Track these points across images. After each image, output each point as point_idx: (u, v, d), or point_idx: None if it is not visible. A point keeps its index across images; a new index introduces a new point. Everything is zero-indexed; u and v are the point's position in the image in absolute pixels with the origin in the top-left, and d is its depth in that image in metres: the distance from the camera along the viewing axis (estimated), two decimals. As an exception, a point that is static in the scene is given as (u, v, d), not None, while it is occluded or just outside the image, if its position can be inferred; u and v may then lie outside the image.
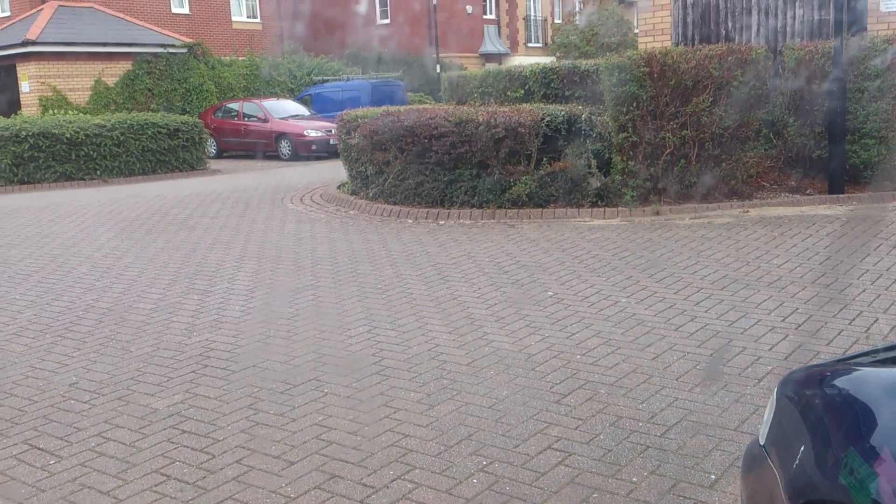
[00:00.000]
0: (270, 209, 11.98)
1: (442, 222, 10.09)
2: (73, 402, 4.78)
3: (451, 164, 10.31)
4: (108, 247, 9.43)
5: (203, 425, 4.37)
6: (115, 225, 10.93)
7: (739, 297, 6.23)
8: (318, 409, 4.50)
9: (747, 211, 9.53)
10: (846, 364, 2.31)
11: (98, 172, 17.12)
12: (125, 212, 12.08)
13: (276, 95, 26.07)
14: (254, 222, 10.82)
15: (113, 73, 24.28)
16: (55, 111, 21.72)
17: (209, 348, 5.64)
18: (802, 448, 2.05)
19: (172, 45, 25.16)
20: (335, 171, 14.34)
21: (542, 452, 3.90)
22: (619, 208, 9.78)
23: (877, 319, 5.52)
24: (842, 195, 9.78)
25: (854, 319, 5.51)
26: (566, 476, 3.66)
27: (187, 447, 4.11)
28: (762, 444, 2.30)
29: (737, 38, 12.03)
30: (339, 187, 13.13)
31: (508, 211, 10.05)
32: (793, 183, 10.47)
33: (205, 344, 5.74)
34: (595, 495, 3.49)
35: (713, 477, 3.60)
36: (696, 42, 12.34)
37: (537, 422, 4.23)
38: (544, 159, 10.11)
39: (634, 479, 3.60)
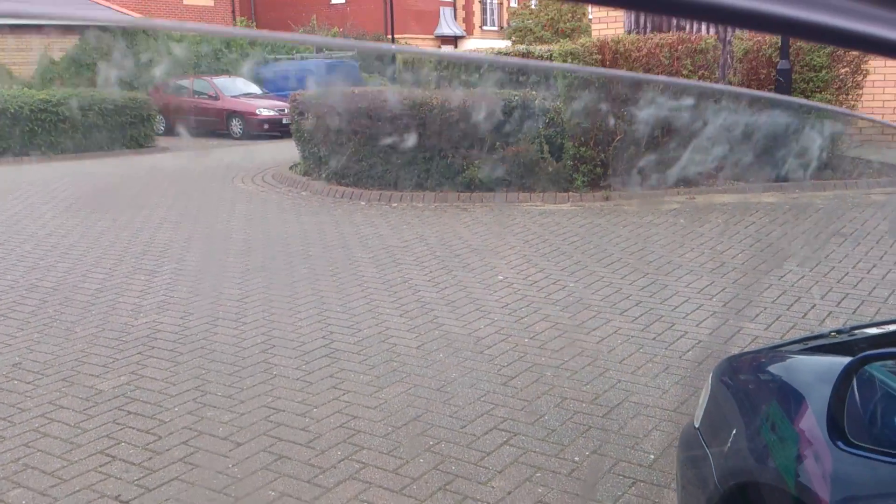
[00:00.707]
0: (221, 189, 11.86)
1: (395, 205, 10.10)
2: (16, 382, 4.72)
3: (405, 147, 10.31)
4: (53, 225, 9.26)
5: (149, 406, 4.35)
6: (59, 203, 10.72)
7: (683, 282, 6.37)
8: (267, 392, 4.51)
9: (694, 197, 9.71)
10: (779, 351, 2.40)
11: (43, 149, 16.73)
12: (70, 189, 11.85)
13: (228, 73, 25.69)
14: (203, 202, 10.71)
15: (60, 48, 23.69)
16: (-2, 85, 21.14)
17: (156, 330, 5.60)
18: (734, 431, 2.14)
19: (121, 21, 24.59)
20: (287, 151, 14.23)
21: (489, 433, 3.96)
22: (571, 193, 9.89)
23: (814, 305, 5.69)
24: (785, 182, 10.01)
25: (792, 305, 5.67)
26: (511, 455, 3.74)
27: (133, 428, 4.09)
28: (697, 426, 2.38)
29: (688, 27, 12.19)
30: (291, 168, 13.03)
31: (461, 194, 10.09)
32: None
33: (151, 325, 5.69)
34: (538, 474, 3.57)
35: (652, 457, 3.70)
36: (648, 30, 12.49)
37: (484, 403, 4.30)
38: (497, 144, 10.17)
39: (577, 459, 3.69)
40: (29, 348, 5.27)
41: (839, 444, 1.72)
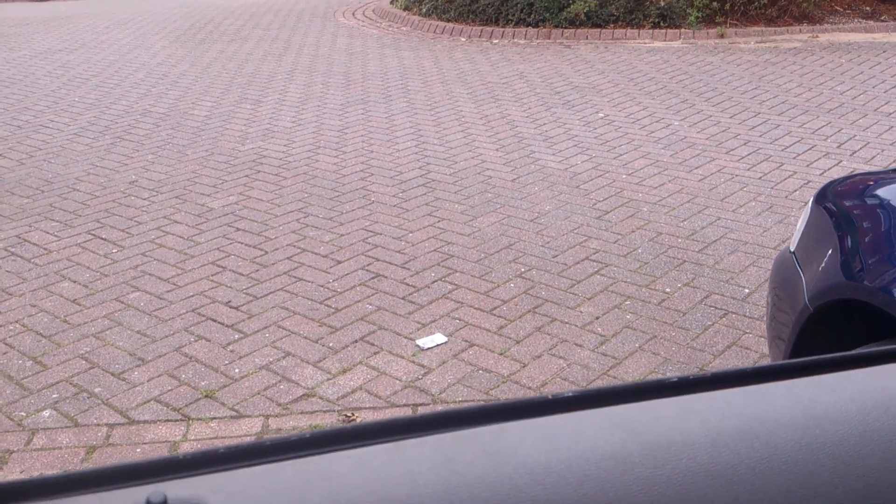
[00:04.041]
0: (322, 23, 11.80)
1: (495, 41, 9.86)
2: (132, 198, 4.99)
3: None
4: (163, 54, 9.47)
5: (256, 224, 4.55)
6: (169, 33, 10.90)
7: (797, 122, 6.10)
8: (365, 216, 4.64)
9: (817, 36, 9.11)
10: (883, 174, 2.30)
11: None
12: (179, 21, 12.01)
13: None
14: (305, 36, 10.70)
15: None
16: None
17: (261, 155, 5.77)
18: (830, 252, 2.10)
19: None
20: (390, -15, 13.91)
21: (580, 263, 4.01)
22: (682, 30, 9.42)
23: (936, 150, 5.39)
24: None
25: (912, 149, 5.39)
26: (601, 284, 3.78)
27: (241, 243, 4.31)
28: (792, 250, 2.34)
29: None
30: (391, 2, 12.79)
31: (565, 31, 9.74)
32: (867, 8, 9.92)
33: (257, 151, 5.87)
34: (627, 302, 3.61)
35: (746, 290, 3.68)
36: None
37: (577, 235, 4.32)
38: (606, -24, 9.69)
39: (668, 290, 3.71)
40: (144, 168, 5.54)
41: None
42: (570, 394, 0.67)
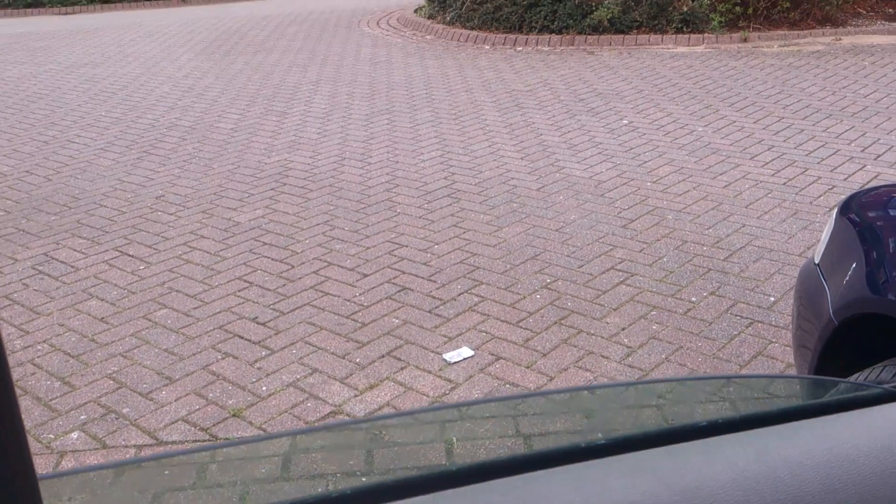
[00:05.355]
0: (346, 33, 11.87)
1: (519, 48, 9.87)
2: (160, 213, 5.06)
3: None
4: (189, 67, 9.58)
5: (283, 238, 4.60)
6: (194, 45, 11.03)
7: (821, 126, 6.06)
8: (391, 228, 4.68)
9: (840, 39, 9.04)
10: (911, 186, 2.29)
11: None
12: (204, 33, 12.15)
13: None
14: (330, 46, 10.78)
15: None
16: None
17: (287, 168, 5.82)
18: (854, 265, 2.09)
19: None
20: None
21: (605, 273, 4.01)
22: (706, 35, 9.38)
23: (965, 153, 5.33)
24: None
25: (940, 152, 5.33)
26: (627, 295, 3.78)
27: (268, 258, 4.36)
28: (816, 262, 2.34)
29: None
30: (415, 11, 12.85)
31: (588, 37, 9.74)
32: (890, 10, 9.82)
33: (283, 163, 5.92)
34: (653, 313, 3.61)
35: (772, 299, 3.67)
36: None
37: (602, 244, 4.32)
38: (628, -19, 9.67)
39: (693, 299, 3.70)
40: (171, 182, 5.61)
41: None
42: (601, 441, 0.68)
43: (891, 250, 2.03)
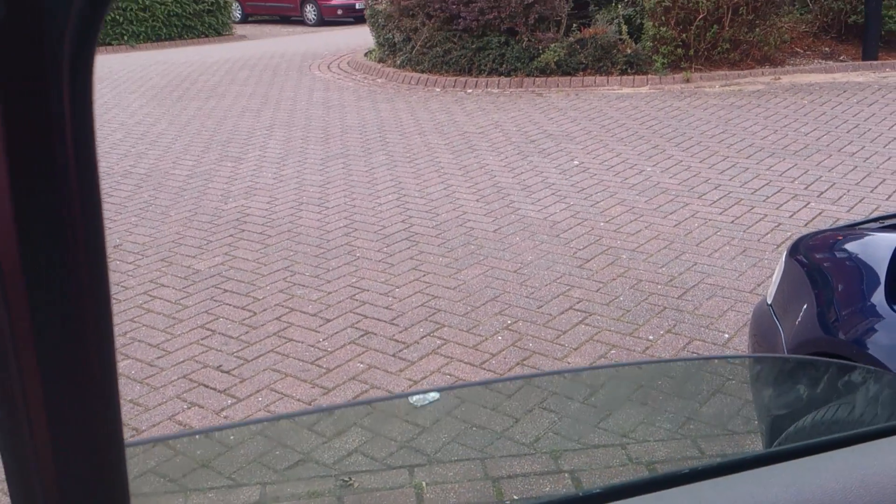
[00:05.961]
0: (298, 77, 11.96)
1: (469, 91, 10.06)
2: (118, 262, 5.04)
3: (480, 31, 10.18)
4: (141, 113, 9.56)
5: (243, 285, 4.61)
6: (146, 91, 11.01)
7: (764, 165, 6.29)
8: (351, 272, 4.72)
9: (779, 78, 9.40)
10: (854, 229, 2.43)
11: (125, 38, 17.03)
12: (155, 78, 12.13)
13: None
14: (282, 90, 10.85)
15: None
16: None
17: (245, 214, 5.85)
18: (805, 306, 2.21)
19: None
20: (362, 37, 14.16)
21: (564, 313, 4.10)
22: (649, 76, 9.68)
23: (900, 189, 5.58)
24: (875, 62, 9.59)
25: (876, 187, 5.57)
26: (586, 334, 3.88)
27: (230, 305, 4.37)
28: (769, 303, 2.45)
29: None
30: (366, 54, 13.01)
31: (536, 79, 9.98)
32: (826, 49, 10.26)
33: (240, 210, 5.94)
34: (613, 352, 3.71)
35: (727, 336, 3.79)
36: None
37: (560, 284, 4.43)
38: (574, 25, 9.95)
39: (651, 338, 3.81)
40: (128, 230, 5.59)
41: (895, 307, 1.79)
42: (598, 490, 0.75)
43: (839, 291, 2.15)
